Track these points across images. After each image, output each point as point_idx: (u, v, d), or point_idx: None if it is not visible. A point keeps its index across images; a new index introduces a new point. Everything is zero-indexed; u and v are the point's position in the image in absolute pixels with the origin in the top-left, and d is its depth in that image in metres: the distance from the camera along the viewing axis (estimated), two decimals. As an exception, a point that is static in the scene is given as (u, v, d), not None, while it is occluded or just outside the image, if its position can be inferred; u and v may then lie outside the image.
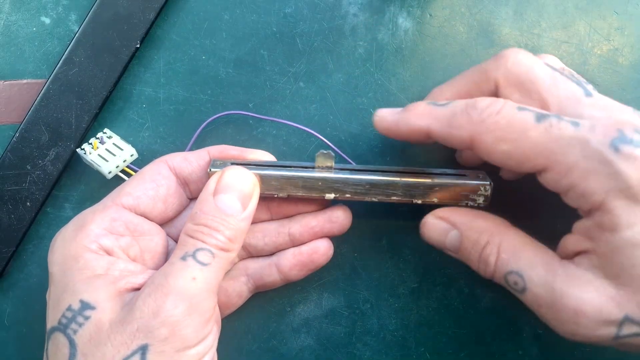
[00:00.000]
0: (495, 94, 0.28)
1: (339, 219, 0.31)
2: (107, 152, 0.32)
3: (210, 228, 0.27)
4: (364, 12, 0.35)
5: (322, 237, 0.31)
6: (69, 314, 0.25)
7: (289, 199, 0.31)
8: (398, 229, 0.34)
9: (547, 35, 0.35)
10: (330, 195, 0.30)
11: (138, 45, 0.33)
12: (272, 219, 0.32)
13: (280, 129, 0.34)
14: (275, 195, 0.30)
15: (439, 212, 0.29)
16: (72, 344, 0.25)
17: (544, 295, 0.26)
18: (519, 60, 0.27)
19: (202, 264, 0.26)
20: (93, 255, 0.27)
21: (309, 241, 0.31)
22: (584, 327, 0.25)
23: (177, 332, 0.24)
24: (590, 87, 0.26)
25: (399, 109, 0.29)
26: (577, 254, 0.25)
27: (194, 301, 0.25)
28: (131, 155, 0.32)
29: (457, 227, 0.29)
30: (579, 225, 0.25)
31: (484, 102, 0.26)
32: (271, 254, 0.32)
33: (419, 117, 0.27)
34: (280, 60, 0.34)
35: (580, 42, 0.35)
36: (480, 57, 0.35)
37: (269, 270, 0.31)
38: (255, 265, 0.32)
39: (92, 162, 0.31)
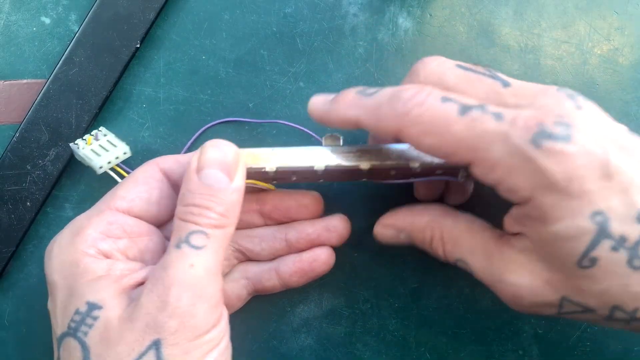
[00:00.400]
0: None
1: (337, 228, 0.31)
2: (100, 147, 0.32)
3: (200, 207, 0.26)
4: (364, 12, 0.35)
5: (319, 245, 0.31)
6: (77, 317, 0.25)
7: (278, 192, 0.31)
8: (398, 229, 0.34)
9: (547, 35, 0.35)
10: (321, 166, 0.28)
11: (138, 45, 0.33)
12: (266, 225, 0.32)
13: (280, 128, 0.34)
14: (263, 169, 0.28)
15: (383, 220, 0.30)
16: (84, 347, 0.25)
17: (488, 279, 0.27)
18: (430, 72, 0.26)
19: (197, 247, 0.25)
20: (92, 259, 0.26)
21: (307, 248, 0.31)
22: (526, 307, 0.26)
23: (186, 322, 0.24)
24: (505, 77, 0.26)
25: (331, 97, 0.28)
26: (514, 234, 0.26)
27: (197, 288, 0.25)
28: (124, 153, 0.32)
29: (403, 229, 0.30)
30: (513, 211, 0.25)
31: (408, 92, 0.25)
32: (270, 259, 0.32)
33: (348, 107, 0.27)
34: (280, 60, 0.34)
35: (580, 42, 0.35)
36: (481, 57, 0.35)
37: (269, 275, 0.31)
38: (255, 269, 0.31)
39: (84, 157, 0.31)
